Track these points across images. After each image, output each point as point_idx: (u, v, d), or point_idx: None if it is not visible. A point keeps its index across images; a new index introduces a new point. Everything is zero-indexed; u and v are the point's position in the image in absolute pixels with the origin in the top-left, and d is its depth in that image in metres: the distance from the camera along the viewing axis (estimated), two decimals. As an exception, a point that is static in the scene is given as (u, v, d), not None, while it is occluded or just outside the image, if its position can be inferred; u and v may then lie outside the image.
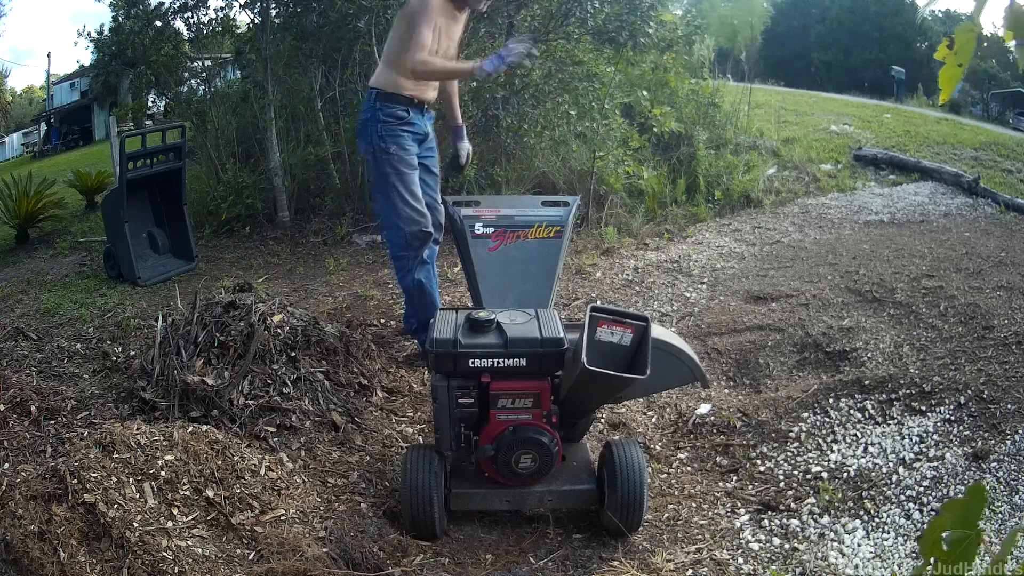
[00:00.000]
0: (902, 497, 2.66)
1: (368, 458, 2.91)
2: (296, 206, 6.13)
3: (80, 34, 13.51)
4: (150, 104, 9.15)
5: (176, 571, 2.06)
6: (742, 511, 2.71)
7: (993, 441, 2.84)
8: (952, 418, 3.01)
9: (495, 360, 2.39)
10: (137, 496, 2.22)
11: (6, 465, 2.54)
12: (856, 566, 2.38)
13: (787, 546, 2.49)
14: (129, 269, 4.91)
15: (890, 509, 2.61)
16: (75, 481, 2.16)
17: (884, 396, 3.21)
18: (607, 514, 2.48)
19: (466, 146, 3.80)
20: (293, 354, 3.12)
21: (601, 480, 2.54)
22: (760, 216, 6.38)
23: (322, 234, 5.76)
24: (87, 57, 21.22)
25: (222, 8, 6.43)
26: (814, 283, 4.58)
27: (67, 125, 21.81)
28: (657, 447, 3.16)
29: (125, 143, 4.83)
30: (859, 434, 3.04)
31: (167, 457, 2.37)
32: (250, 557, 2.23)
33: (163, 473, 2.32)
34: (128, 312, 4.32)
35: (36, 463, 2.49)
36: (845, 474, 2.82)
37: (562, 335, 2.42)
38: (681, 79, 7.42)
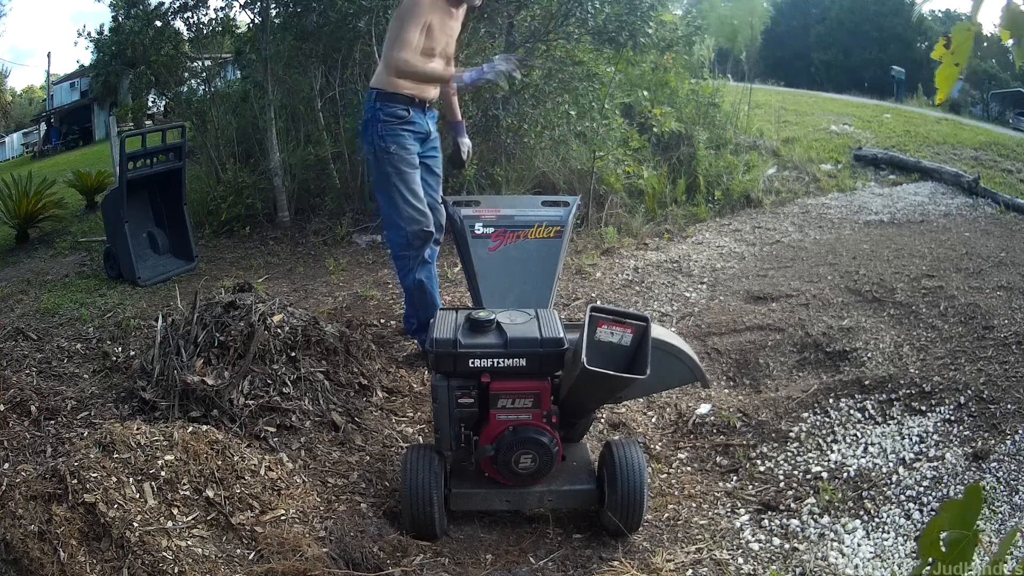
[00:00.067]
0: (902, 497, 2.66)
1: (368, 458, 2.91)
2: (296, 206, 6.13)
3: (80, 34, 13.54)
4: (150, 104, 9.16)
5: (176, 571, 2.07)
6: (742, 511, 2.71)
7: (993, 441, 2.84)
8: (952, 418, 3.01)
9: (495, 360, 2.39)
10: (137, 496, 2.22)
11: (6, 465, 2.54)
12: (856, 566, 2.38)
13: (787, 546, 2.49)
14: (129, 269, 4.91)
15: (890, 509, 2.61)
16: (75, 481, 2.16)
17: (884, 396, 3.21)
18: (607, 514, 2.48)
19: (466, 142, 3.80)
20: (293, 354, 3.12)
21: (601, 480, 2.54)
22: (760, 216, 6.38)
23: (322, 234, 5.76)
24: (87, 57, 21.25)
25: (222, 8, 6.44)
26: (814, 283, 4.58)
27: (67, 125, 21.81)
28: (657, 447, 3.17)
29: (125, 143, 4.83)
30: (859, 434, 3.04)
31: (167, 457, 2.37)
32: (250, 557, 2.23)
33: (163, 473, 2.32)
34: (128, 312, 4.33)
35: (36, 463, 2.49)
36: (845, 474, 2.82)
37: (562, 335, 2.42)
38: (681, 79, 7.42)
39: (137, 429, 2.47)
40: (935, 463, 2.79)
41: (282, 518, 2.41)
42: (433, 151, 3.59)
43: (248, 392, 2.96)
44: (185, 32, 6.64)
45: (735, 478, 2.92)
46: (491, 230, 2.95)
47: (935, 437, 2.94)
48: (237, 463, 2.50)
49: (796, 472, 2.88)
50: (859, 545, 2.47)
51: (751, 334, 3.99)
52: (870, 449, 2.95)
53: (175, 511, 2.25)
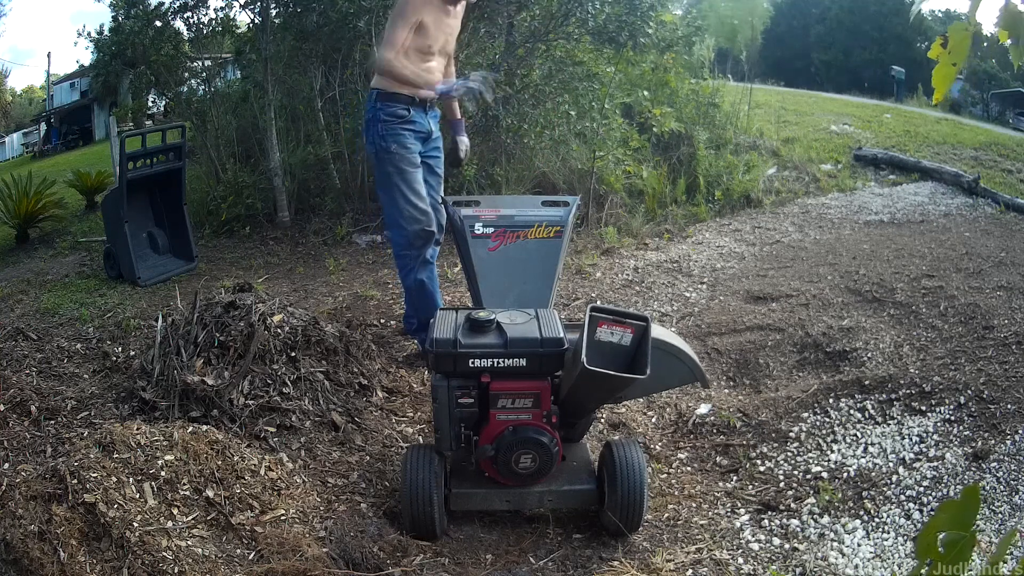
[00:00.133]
0: (902, 497, 2.66)
1: (368, 458, 2.91)
2: (296, 206, 6.13)
3: (80, 34, 13.56)
4: (150, 104, 9.15)
5: (176, 571, 2.07)
6: (742, 511, 2.71)
7: (993, 441, 2.84)
8: (952, 418, 3.01)
9: (495, 360, 2.39)
10: (137, 496, 2.22)
11: (6, 465, 2.55)
12: (856, 566, 2.38)
13: (787, 546, 2.49)
14: (129, 269, 4.91)
15: (890, 509, 2.61)
16: (75, 481, 2.16)
17: (884, 396, 3.21)
18: (607, 514, 2.48)
19: (464, 140, 3.80)
20: (293, 354, 3.12)
21: (601, 480, 2.54)
22: (760, 216, 6.38)
23: (322, 234, 5.76)
24: (87, 57, 21.23)
25: (222, 8, 6.43)
26: (814, 283, 4.58)
27: (67, 125, 21.80)
28: (657, 447, 3.17)
29: (125, 143, 4.83)
30: (859, 434, 3.04)
31: (167, 457, 2.37)
32: (250, 557, 2.23)
33: (163, 473, 2.32)
34: (128, 312, 4.33)
35: (36, 463, 2.49)
36: (845, 474, 2.82)
37: (562, 335, 2.42)
38: (681, 79, 7.42)
39: (137, 429, 2.47)
40: (935, 463, 2.79)
41: (282, 518, 2.41)
42: (435, 151, 3.59)
43: (248, 392, 2.96)
44: (185, 32, 6.64)
45: (735, 478, 2.92)
46: (491, 230, 2.95)
47: (935, 437, 2.94)
48: (237, 463, 2.50)
49: (796, 472, 2.88)
50: (859, 545, 2.47)
51: (751, 334, 3.99)
52: (870, 449, 2.95)
53: (175, 511, 2.25)
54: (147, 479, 2.28)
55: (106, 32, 7.80)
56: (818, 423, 3.14)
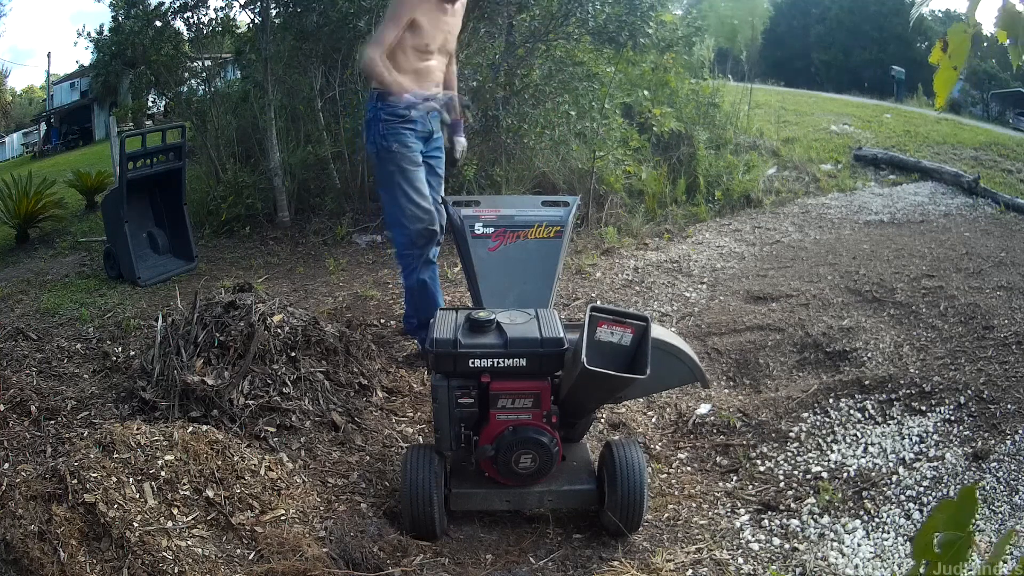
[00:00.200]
0: (902, 497, 2.66)
1: (368, 458, 2.91)
2: (296, 206, 6.13)
3: (80, 34, 13.56)
4: (150, 104, 9.16)
5: (176, 571, 2.07)
6: (742, 511, 2.71)
7: (993, 441, 2.84)
8: (952, 418, 3.01)
9: (495, 360, 2.39)
10: (137, 496, 2.22)
11: (6, 465, 2.55)
12: (856, 566, 2.38)
13: (787, 546, 2.49)
14: (129, 269, 4.92)
15: (890, 509, 2.61)
16: (75, 481, 2.16)
17: (884, 396, 3.21)
18: (607, 514, 2.48)
19: (462, 141, 3.79)
20: (293, 354, 3.12)
21: (601, 480, 2.54)
22: (760, 216, 6.38)
23: (322, 234, 5.76)
24: (87, 57, 21.20)
25: (222, 8, 6.44)
26: (814, 283, 4.58)
27: (67, 125, 21.80)
28: (657, 447, 3.17)
29: (125, 143, 4.83)
30: (859, 434, 3.04)
31: (167, 457, 2.38)
32: (250, 557, 2.23)
33: (163, 473, 2.32)
34: (128, 312, 4.33)
35: (36, 463, 2.49)
36: (845, 474, 2.82)
37: (562, 335, 2.42)
38: (681, 79, 7.42)
39: (137, 429, 2.47)
40: (935, 463, 2.79)
41: (282, 518, 2.41)
42: (436, 151, 3.59)
43: (248, 392, 2.96)
44: (185, 32, 6.64)
45: (735, 478, 2.92)
46: (491, 230, 2.95)
47: (935, 437, 2.94)
48: (237, 463, 2.50)
49: (796, 472, 2.88)
50: (859, 545, 2.47)
51: (751, 334, 3.99)
52: (870, 449, 2.95)
53: (175, 511, 2.25)
54: (147, 479, 2.28)
55: (106, 32, 7.81)
56: (818, 423, 3.14)
